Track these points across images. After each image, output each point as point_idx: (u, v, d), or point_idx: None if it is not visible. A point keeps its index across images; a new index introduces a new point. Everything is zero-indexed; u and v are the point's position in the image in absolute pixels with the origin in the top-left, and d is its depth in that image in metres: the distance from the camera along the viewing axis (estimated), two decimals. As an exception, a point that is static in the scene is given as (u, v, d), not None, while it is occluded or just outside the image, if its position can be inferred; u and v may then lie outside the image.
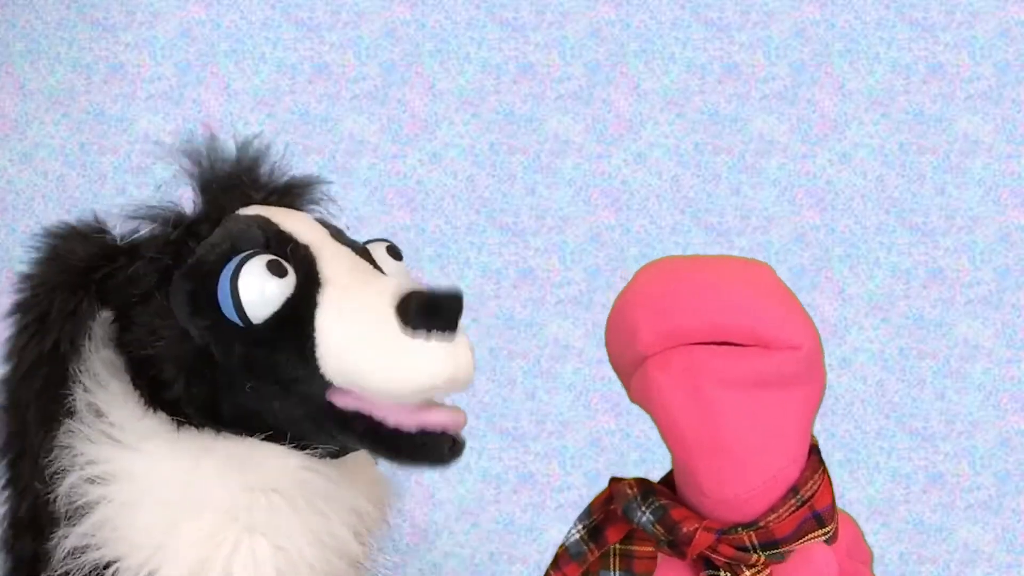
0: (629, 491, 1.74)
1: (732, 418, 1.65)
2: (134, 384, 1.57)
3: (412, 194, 2.38)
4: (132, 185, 2.36)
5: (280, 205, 1.64)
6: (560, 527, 2.34)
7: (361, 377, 1.50)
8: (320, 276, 1.54)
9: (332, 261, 1.55)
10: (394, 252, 1.64)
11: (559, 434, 2.37)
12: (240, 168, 1.64)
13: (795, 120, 2.39)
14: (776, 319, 1.66)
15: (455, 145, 2.38)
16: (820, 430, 2.32)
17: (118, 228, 1.57)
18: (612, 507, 1.77)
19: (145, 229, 1.59)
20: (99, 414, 1.56)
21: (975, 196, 2.38)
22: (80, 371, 1.56)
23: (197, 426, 1.56)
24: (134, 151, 2.36)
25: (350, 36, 2.38)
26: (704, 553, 1.69)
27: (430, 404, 1.53)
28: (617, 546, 1.77)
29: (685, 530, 1.68)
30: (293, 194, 1.67)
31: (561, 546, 1.79)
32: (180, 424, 1.56)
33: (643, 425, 2.38)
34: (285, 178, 1.67)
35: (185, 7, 2.36)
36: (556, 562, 1.78)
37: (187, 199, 1.61)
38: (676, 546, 1.69)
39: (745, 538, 1.68)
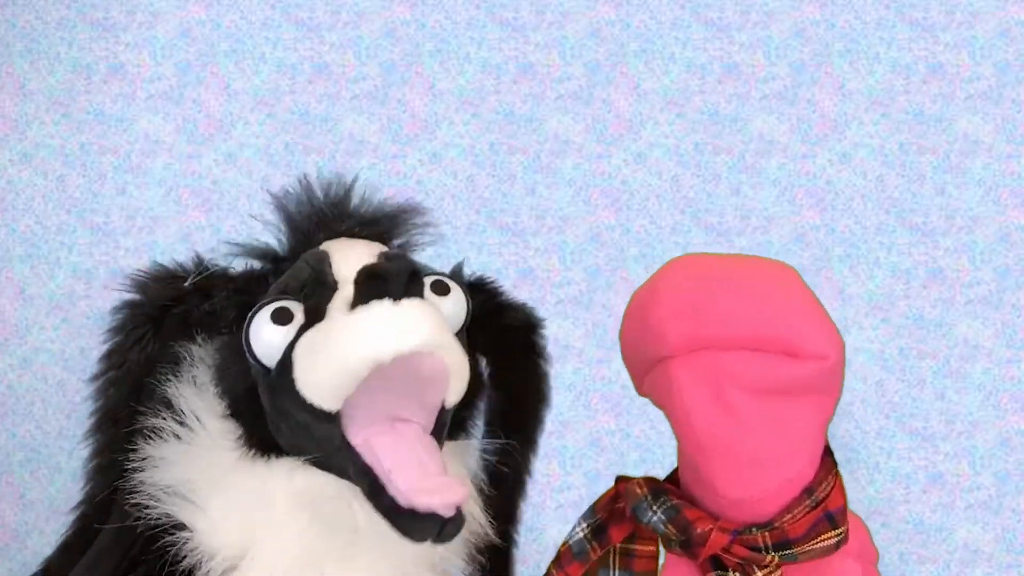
0: (639, 490, 1.73)
1: (754, 423, 1.65)
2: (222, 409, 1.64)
3: (412, 194, 2.38)
4: (132, 185, 2.36)
5: (367, 236, 1.67)
6: (560, 527, 2.34)
7: (318, 379, 1.52)
8: (324, 315, 1.56)
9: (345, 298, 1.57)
10: (439, 288, 1.64)
11: (559, 434, 2.37)
12: (326, 202, 1.68)
13: (795, 120, 2.39)
14: (808, 330, 1.66)
15: (455, 145, 2.38)
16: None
17: (212, 264, 1.68)
18: (618, 506, 1.77)
19: (240, 264, 1.68)
20: (191, 423, 1.63)
21: (975, 196, 2.38)
22: (158, 391, 1.64)
23: (263, 456, 1.62)
24: (134, 151, 2.36)
25: (350, 36, 2.38)
26: (715, 553, 1.69)
27: (428, 482, 1.54)
28: (618, 545, 1.77)
29: (699, 530, 1.67)
30: (381, 224, 1.70)
31: (564, 544, 1.78)
32: (256, 455, 1.62)
33: (643, 425, 2.38)
34: (372, 209, 1.70)
35: (185, 7, 2.36)
36: (558, 560, 1.78)
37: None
38: (689, 546, 1.69)
39: (759, 538, 1.68)
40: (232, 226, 2.32)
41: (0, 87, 2.36)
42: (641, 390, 1.77)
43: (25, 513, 2.35)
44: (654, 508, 1.71)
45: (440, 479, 1.54)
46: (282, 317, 1.56)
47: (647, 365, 1.72)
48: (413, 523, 1.53)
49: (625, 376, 2.39)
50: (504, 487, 1.77)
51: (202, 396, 1.64)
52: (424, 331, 1.50)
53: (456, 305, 1.63)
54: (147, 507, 1.60)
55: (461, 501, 1.54)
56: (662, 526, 1.69)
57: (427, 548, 1.59)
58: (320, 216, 1.67)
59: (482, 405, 1.76)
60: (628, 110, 2.39)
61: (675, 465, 1.77)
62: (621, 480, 1.78)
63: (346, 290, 1.56)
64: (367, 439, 1.55)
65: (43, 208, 2.36)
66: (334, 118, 2.38)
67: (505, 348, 1.73)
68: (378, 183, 2.37)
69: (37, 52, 2.36)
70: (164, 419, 1.63)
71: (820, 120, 2.39)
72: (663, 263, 2.37)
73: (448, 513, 1.53)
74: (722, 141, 2.39)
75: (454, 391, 1.58)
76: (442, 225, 2.39)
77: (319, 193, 1.68)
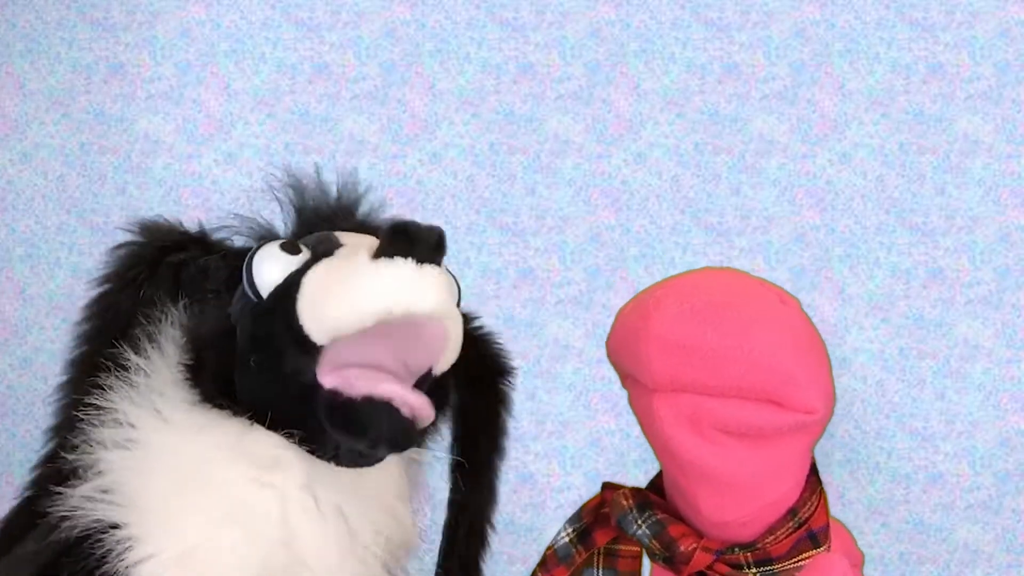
0: (624, 502, 1.73)
1: (737, 460, 1.64)
2: (182, 361, 1.62)
3: (412, 194, 2.38)
4: (132, 185, 2.36)
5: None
6: (560, 527, 2.34)
7: (324, 310, 1.51)
8: (333, 253, 1.58)
9: (353, 248, 1.57)
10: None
11: (559, 434, 2.37)
12: (338, 205, 1.72)
13: (795, 120, 2.38)
14: (799, 385, 1.64)
15: (455, 145, 2.38)
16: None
17: (212, 233, 1.70)
18: (603, 511, 1.77)
19: (239, 240, 1.69)
20: (146, 376, 1.62)
21: (975, 196, 2.38)
22: (142, 338, 1.63)
23: (218, 406, 1.60)
24: (134, 151, 2.36)
25: (350, 36, 2.38)
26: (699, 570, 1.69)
27: (395, 377, 1.51)
28: (601, 546, 1.78)
29: (683, 549, 1.68)
30: (395, 237, 1.69)
31: (549, 548, 1.79)
32: (206, 402, 1.60)
33: (643, 425, 2.38)
34: (377, 220, 1.73)
35: (185, 7, 2.36)
36: (544, 564, 1.78)
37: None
38: (672, 563, 1.69)
39: (741, 558, 1.68)
40: (254, 190, 2.32)
41: (0, 87, 2.36)
42: (624, 385, 1.77)
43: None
44: (639, 522, 1.71)
45: (410, 386, 1.53)
46: (292, 248, 1.58)
47: (629, 380, 1.72)
48: (366, 411, 1.50)
49: (625, 376, 2.39)
50: (461, 534, 1.75)
51: (164, 360, 1.63)
52: (440, 298, 1.51)
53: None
54: (76, 512, 1.58)
55: (421, 410, 1.52)
56: (647, 540, 1.70)
57: (374, 535, 1.58)
58: (328, 212, 1.70)
59: (443, 425, 1.76)
60: (628, 110, 2.39)
61: (674, 465, 1.77)
62: (608, 487, 1.78)
63: (357, 245, 1.58)
64: (341, 379, 1.53)
65: (43, 208, 2.36)
66: (334, 118, 2.38)
67: (474, 382, 1.73)
68: (378, 183, 2.38)
69: (37, 52, 2.36)
70: (124, 372, 1.61)
71: (820, 120, 2.39)
72: (663, 263, 2.37)
73: (406, 413, 1.51)
74: (722, 141, 2.39)
75: (446, 360, 1.58)
76: (442, 225, 2.39)
77: (332, 190, 1.70)
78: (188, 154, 2.37)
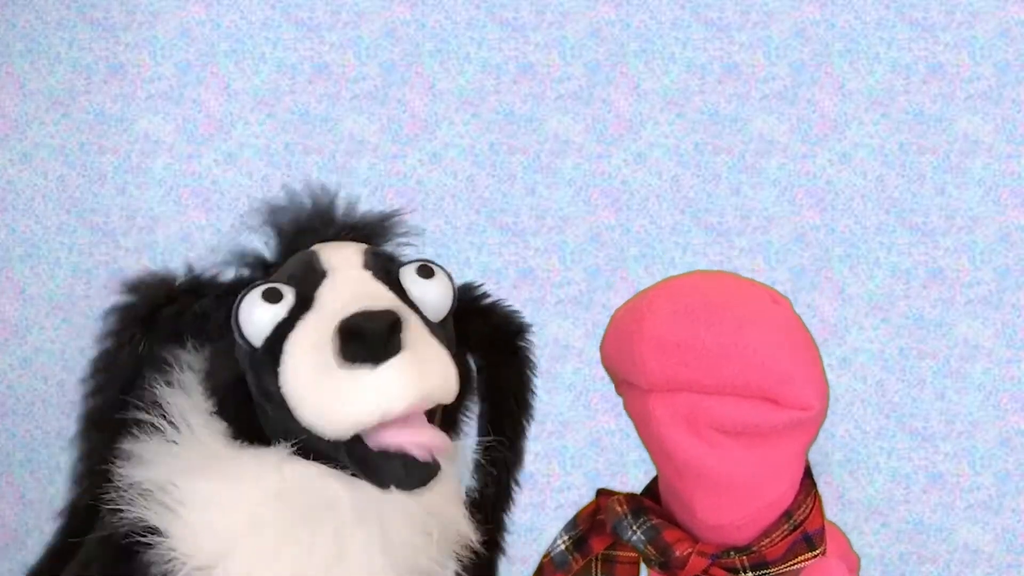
0: (619, 508, 1.73)
1: (733, 460, 1.64)
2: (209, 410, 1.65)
3: (412, 194, 2.38)
4: (132, 185, 2.36)
5: (353, 239, 1.69)
6: (560, 527, 2.34)
7: (301, 415, 1.54)
8: (314, 302, 1.58)
9: (334, 286, 1.58)
10: (424, 271, 1.65)
11: (559, 434, 2.37)
12: (313, 211, 1.71)
13: (795, 120, 2.39)
14: (795, 383, 1.64)
15: (455, 145, 2.38)
16: (820, 430, 2.31)
17: (202, 272, 1.70)
18: (599, 518, 1.77)
19: (230, 271, 1.70)
20: (186, 422, 1.64)
21: (975, 196, 2.38)
22: (157, 390, 1.65)
23: (252, 443, 1.62)
24: (134, 151, 2.36)
25: (350, 36, 2.38)
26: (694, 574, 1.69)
27: (404, 425, 1.53)
28: (599, 552, 1.77)
29: (678, 554, 1.67)
30: (366, 229, 1.72)
31: (546, 555, 1.79)
32: (240, 441, 1.62)
33: (643, 425, 2.38)
34: (356, 217, 1.72)
35: (185, 7, 2.36)
36: (540, 571, 1.78)
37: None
38: (668, 567, 1.69)
39: (737, 561, 1.68)
40: (232, 226, 2.32)
41: (0, 87, 2.36)
42: (624, 406, 1.77)
43: (25, 513, 2.35)
44: (634, 528, 1.71)
45: (419, 427, 1.54)
46: (272, 296, 1.58)
47: (624, 384, 1.71)
48: (381, 464, 1.53)
49: (625, 376, 2.39)
50: (490, 493, 1.76)
51: (188, 397, 1.65)
52: (409, 392, 1.51)
53: (441, 288, 1.64)
54: (124, 512, 1.60)
55: (435, 446, 1.54)
56: (642, 546, 1.69)
57: (414, 548, 1.58)
58: (307, 224, 1.70)
59: (472, 406, 1.76)
60: (628, 110, 2.39)
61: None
62: (602, 494, 1.78)
63: (336, 277, 1.58)
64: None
65: (43, 208, 2.36)
66: (334, 118, 2.38)
67: (492, 350, 1.74)
68: (378, 183, 2.38)
69: (37, 52, 2.36)
70: (148, 417, 1.64)
71: (820, 120, 2.39)
72: (663, 263, 2.38)
73: (421, 456, 1.53)
74: (722, 141, 2.39)
75: (447, 399, 1.58)
76: (442, 225, 2.39)
77: (306, 201, 1.70)
78: (188, 154, 2.37)
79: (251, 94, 2.37)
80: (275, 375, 1.56)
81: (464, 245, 2.37)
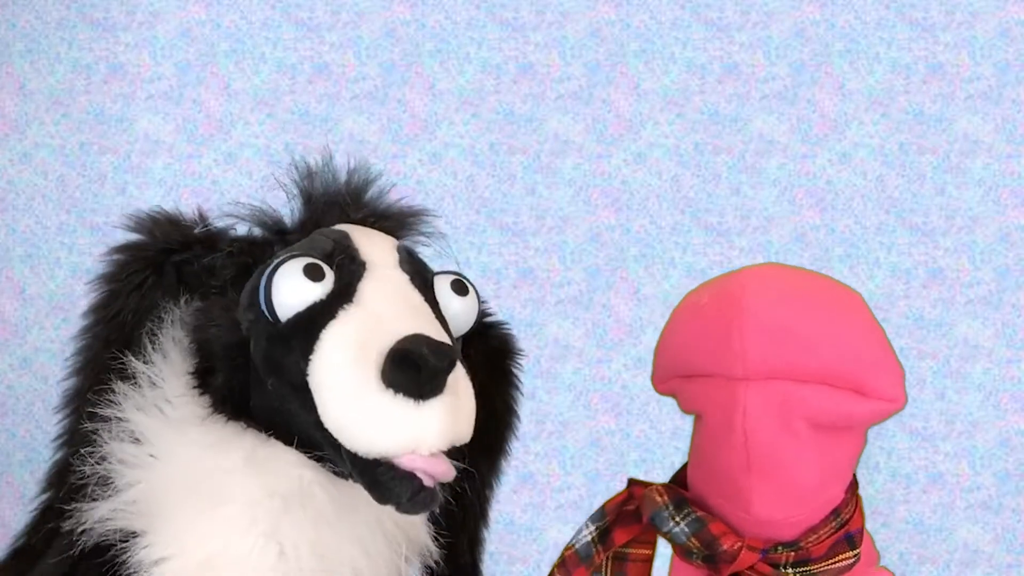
0: (659, 498, 1.71)
1: (813, 456, 1.63)
2: (190, 367, 1.58)
3: (412, 194, 2.38)
4: (132, 185, 2.36)
5: (377, 228, 1.64)
6: (560, 527, 2.34)
7: (325, 415, 1.49)
8: (355, 294, 1.52)
9: (376, 284, 1.54)
10: (459, 287, 1.61)
11: (559, 434, 2.37)
12: (346, 189, 1.65)
13: (795, 120, 2.39)
14: (880, 371, 1.64)
15: (455, 145, 2.38)
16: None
17: (214, 222, 1.63)
18: (627, 508, 1.75)
19: (243, 227, 1.63)
20: (154, 385, 1.58)
21: (975, 196, 2.38)
22: (147, 344, 1.59)
23: (232, 418, 1.56)
24: (134, 151, 2.36)
25: (350, 36, 2.38)
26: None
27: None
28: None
29: (726, 547, 1.66)
30: (393, 220, 1.67)
31: (570, 547, 1.76)
32: (218, 414, 1.57)
33: (643, 425, 2.38)
34: (386, 204, 1.67)
35: (185, 7, 2.36)
36: (563, 564, 1.76)
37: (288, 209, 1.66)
38: (714, 561, 1.67)
39: (783, 557, 1.67)
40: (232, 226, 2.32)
41: (0, 87, 2.36)
42: (664, 388, 1.74)
43: (25, 513, 2.35)
44: (676, 519, 1.69)
45: (438, 457, 1.50)
46: (315, 273, 1.52)
47: (694, 379, 1.68)
48: (388, 481, 1.47)
49: (625, 376, 2.39)
50: (465, 513, 1.73)
51: (167, 360, 1.59)
52: (442, 440, 1.47)
53: (469, 309, 1.60)
54: (94, 524, 1.55)
55: (444, 476, 1.50)
56: (684, 538, 1.67)
57: (385, 560, 1.56)
58: (338, 199, 1.64)
59: None
60: (628, 110, 2.39)
61: (674, 465, 1.76)
62: (636, 484, 1.76)
63: (376, 274, 1.54)
64: None
65: (43, 208, 2.36)
66: (334, 118, 2.38)
67: (484, 371, 1.69)
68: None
69: (37, 52, 2.36)
70: (136, 373, 1.58)
71: (820, 120, 2.39)
72: (663, 263, 2.37)
73: (428, 483, 1.48)
74: (722, 141, 2.39)
75: (466, 441, 1.54)
76: (442, 225, 2.39)
77: (342, 177, 1.66)
78: (188, 154, 2.37)
79: (251, 94, 2.37)
80: (301, 359, 1.50)
81: (464, 245, 2.37)
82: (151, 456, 1.56)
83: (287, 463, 1.55)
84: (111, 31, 2.36)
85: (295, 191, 1.66)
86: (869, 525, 2.36)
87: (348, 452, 1.50)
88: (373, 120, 2.38)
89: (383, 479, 1.49)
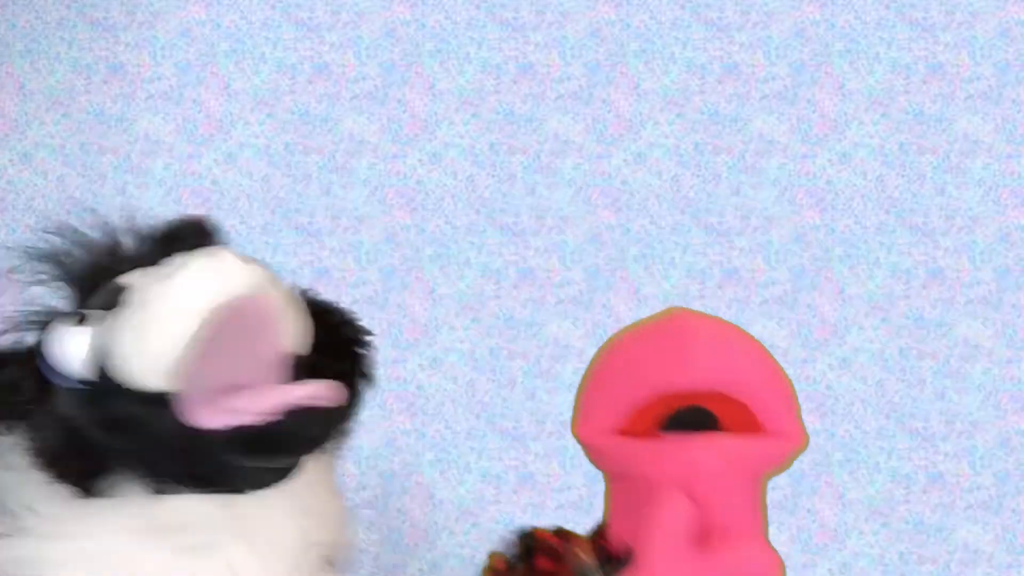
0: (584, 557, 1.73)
1: None
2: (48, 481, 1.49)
3: (412, 194, 2.38)
4: (132, 185, 2.36)
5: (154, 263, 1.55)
6: (559, 527, 2.33)
7: (145, 349, 1.40)
8: (123, 304, 1.46)
9: (138, 287, 1.46)
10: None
11: (559, 434, 2.37)
12: (102, 251, 1.58)
13: (795, 120, 2.39)
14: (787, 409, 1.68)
15: (455, 145, 2.38)
16: (820, 430, 2.32)
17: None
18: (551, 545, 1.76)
19: (30, 334, 1.54)
20: (21, 507, 1.49)
21: (975, 196, 2.38)
22: None
23: (106, 497, 1.47)
24: (134, 151, 2.36)
25: (350, 36, 2.38)
26: None
27: (267, 385, 1.40)
28: None
29: None
30: (163, 249, 1.58)
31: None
32: (93, 498, 1.47)
33: (643, 425, 2.38)
34: (148, 243, 1.60)
35: (185, 7, 2.36)
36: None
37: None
38: None
39: None
40: (232, 226, 2.31)
41: (0, 87, 2.36)
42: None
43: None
44: None
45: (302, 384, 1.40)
46: (78, 319, 1.46)
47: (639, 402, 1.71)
48: (297, 427, 1.39)
49: (625, 376, 2.38)
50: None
51: (22, 477, 1.49)
52: (243, 269, 1.39)
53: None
54: None
55: (324, 394, 1.39)
56: None
57: (295, 555, 1.50)
58: (99, 269, 1.56)
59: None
60: (628, 110, 2.39)
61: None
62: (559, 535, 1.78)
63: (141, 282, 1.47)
64: (223, 413, 1.40)
65: (43, 208, 2.36)
66: (334, 118, 2.38)
67: (327, 353, 1.58)
68: (378, 183, 2.38)
69: (37, 52, 2.36)
70: None
71: (820, 120, 2.39)
72: (663, 263, 2.38)
73: (330, 401, 1.40)
74: (722, 141, 2.39)
75: (293, 333, 1.44)
76: (442, 225, 2.39)
77: (89, 245, 1.58)
78: (188, 154, 2.37)
79: (251, 94, 2.37)
80: (116, 389, 1.42)
81: (464, 245, 2.37)
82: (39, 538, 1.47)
83: (178, 509, 1.46)
84: (111, 31, 2.36)
85: (56, 279, 1.58)
86: (869, 525, 2.36)
87: (224, 434, 1.40)
88: (373, 120, 2.38)
89: (277, 431, 1.40)
